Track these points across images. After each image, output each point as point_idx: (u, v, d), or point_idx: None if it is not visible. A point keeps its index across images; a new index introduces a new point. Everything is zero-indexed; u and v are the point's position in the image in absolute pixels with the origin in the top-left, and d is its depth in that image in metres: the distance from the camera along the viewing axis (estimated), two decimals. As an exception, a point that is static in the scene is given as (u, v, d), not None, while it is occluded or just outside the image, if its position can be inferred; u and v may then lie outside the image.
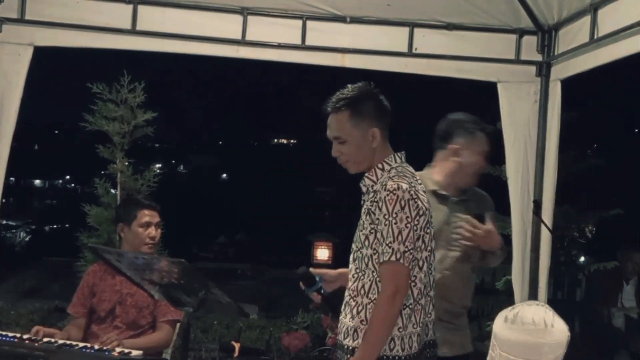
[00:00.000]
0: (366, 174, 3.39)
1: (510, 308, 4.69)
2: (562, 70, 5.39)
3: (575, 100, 6.67)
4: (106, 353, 3.90)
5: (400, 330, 3.23)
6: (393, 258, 3.15)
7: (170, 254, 7.74)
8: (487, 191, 4.48)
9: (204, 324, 8.87)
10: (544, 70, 5.52)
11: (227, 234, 43.03)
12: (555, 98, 5.45)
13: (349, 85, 3.45)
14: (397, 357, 3.23)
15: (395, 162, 3.40)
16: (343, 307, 3.44)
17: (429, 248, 3.31)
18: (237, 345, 5.76)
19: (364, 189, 3.41)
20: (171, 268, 3.49)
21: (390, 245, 3.16)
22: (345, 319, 3.37)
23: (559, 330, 4.34)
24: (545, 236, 5.47)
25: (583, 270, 7.72)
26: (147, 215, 4.75)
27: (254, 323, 8.50)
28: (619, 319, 7.04)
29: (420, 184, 3.34)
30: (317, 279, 3.50)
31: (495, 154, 6.57)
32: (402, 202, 3.18)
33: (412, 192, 3.21)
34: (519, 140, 5.61)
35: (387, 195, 3.19)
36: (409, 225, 3.18)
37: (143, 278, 3.69)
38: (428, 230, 3.31)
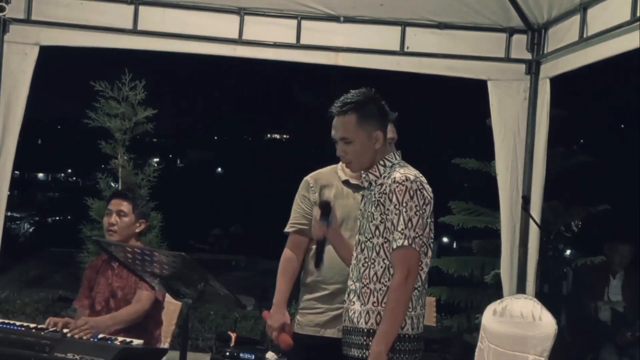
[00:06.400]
0: (370, 170, 3.59)
1: (499, 301, 4.85)
2: (551, 68, 5.49)
3: (564, 97, 6.76)
4: (109, 342, 3.94)
5: (410, 310, 3.45)
6: (405, 243, 3.38)
7: (168, 246, 7.89)
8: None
9: (201, 314, 8.97)
10: (533, 68, 5.62)
11: (222, 226, 43.10)
12: (545, 96, 5.55)
13: (352, 90, 3.63)
14: (407, 336, 3.45)
15: (396, 159, 3.62)
16: (347, 294, 3.61)
17: (432, 236, 3.54)
18: (233, 335, 5.92)
19: (366, 184, 3.63)
20: (171, 261, 3.56)
21: (402, 232, 3.39)
22: (354, 305, 3.54)
23: (546, 323, 4.48)
24: (534, 231, 5.59)
25: (570, 265, 7.76)
26: (112, 204, 4.77)
27: (248, 313, 8.60)
28: (606, 312, 7.04)
29: (422, 176, 3.54)
30: (330, 217, 3.67)
31: (485, 150, 6.69)
32: (411, 192, 3.42)
33: (418, 182, 3.46)
34: (508, 136, 5.71)
35: (397, 186, 3.43)
36: (417, 213, 3.41)
37: (145, 270, 3.77)
38: (432, 219, 3.54)
